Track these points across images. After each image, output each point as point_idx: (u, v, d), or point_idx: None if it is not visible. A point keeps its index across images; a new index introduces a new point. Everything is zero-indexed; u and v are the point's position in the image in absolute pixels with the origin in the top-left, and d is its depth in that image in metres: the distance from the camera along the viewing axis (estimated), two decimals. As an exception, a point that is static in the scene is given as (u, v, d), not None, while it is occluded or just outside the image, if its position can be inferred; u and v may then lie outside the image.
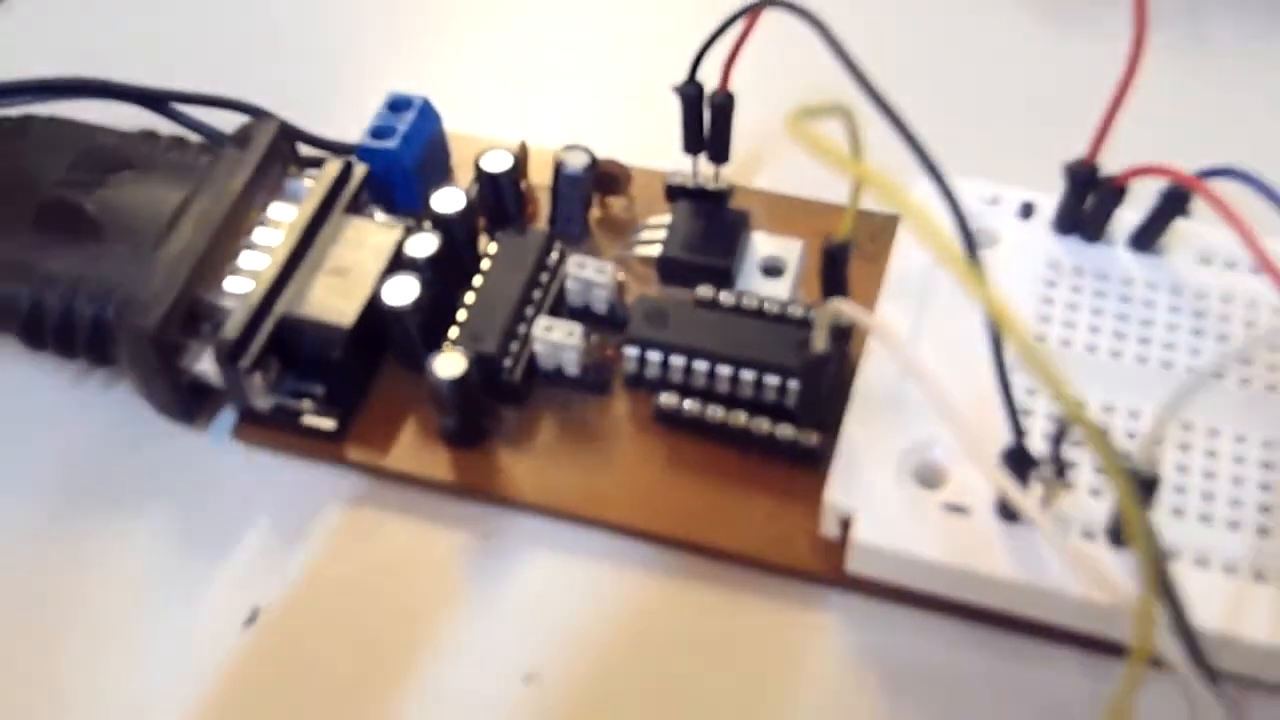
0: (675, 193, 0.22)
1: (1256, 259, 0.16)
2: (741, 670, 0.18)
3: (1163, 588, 0.13)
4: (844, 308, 0.16)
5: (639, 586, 0.19)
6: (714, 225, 0.22)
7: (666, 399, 0.20)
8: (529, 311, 0.20)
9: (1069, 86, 0.22)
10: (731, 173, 0.22)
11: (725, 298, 0.20)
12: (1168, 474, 0.18)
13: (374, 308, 0.20)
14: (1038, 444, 0.18)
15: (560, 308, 0.21)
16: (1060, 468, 0.17)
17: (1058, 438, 0.16)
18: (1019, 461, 0.17)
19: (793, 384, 0.19)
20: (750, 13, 0.19)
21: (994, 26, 0.26)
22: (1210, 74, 0.25)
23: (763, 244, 0.22)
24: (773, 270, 0.22)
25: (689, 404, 0.20)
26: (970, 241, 0.16)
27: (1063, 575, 0.17)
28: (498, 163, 0.21)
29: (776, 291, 0.21)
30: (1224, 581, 0.17)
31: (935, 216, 0.16)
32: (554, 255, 0.21)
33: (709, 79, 0.21)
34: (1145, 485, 0.16)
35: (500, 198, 0.22)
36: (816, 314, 0.18)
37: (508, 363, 0.20)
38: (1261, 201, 0.18)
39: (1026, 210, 0.21)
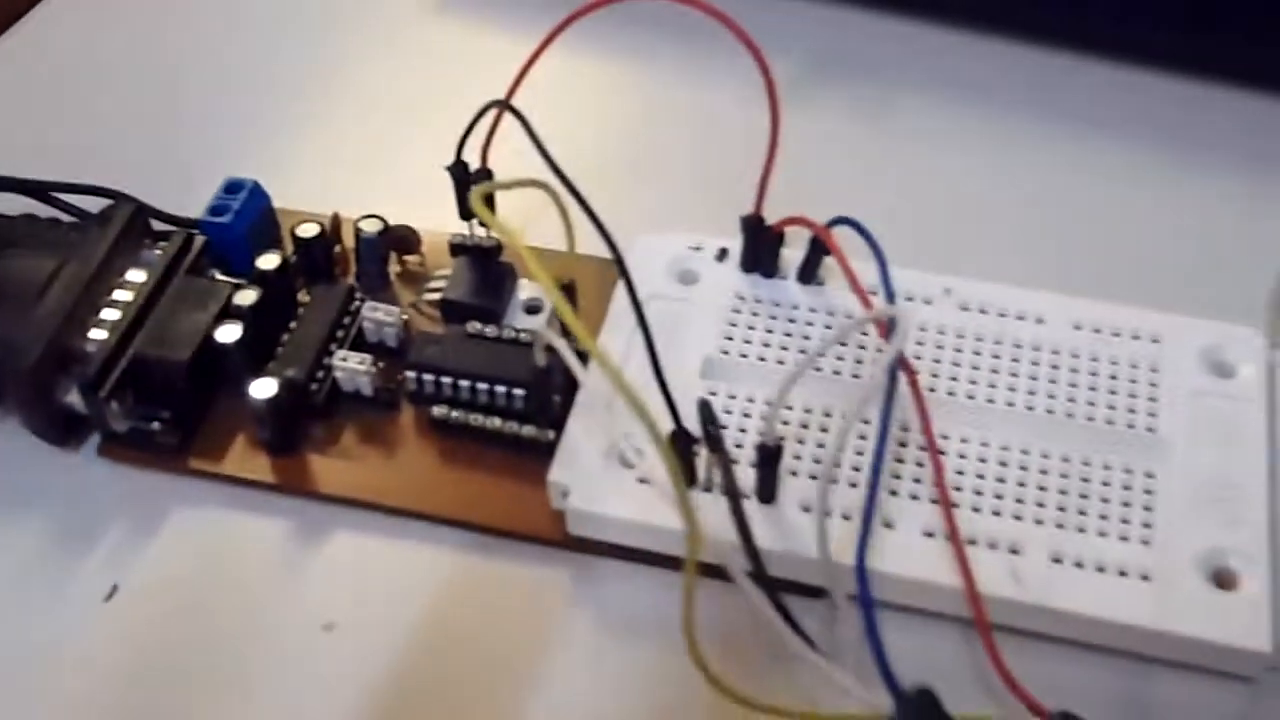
0: (457, 249, 0.28)
1: (848, 281, 0.22)
2: (497, 615, 0.24)
3: (736, 519, 0.19)
4: (546, 333, 0.22)
5: (418, 555, 0.24)
6: (487, 275, 0.27)
7: (439, 410, 0.25)
8: (334, 347, 0.26)
9: (751, 156, 0.28)
10: (497, 231, 0.28)
11: (490, 331, 0.26)
12: (810, 450, 0.24)
13: (207, 346, 0.25)
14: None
15: (362, 343, 0.27)
16: (714, 445, 0.22)
17: (706, 425, 0.22)
18: (684, 441, 0.22)
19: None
20: (494, 108, 0.25)
21: (718, 108, 0.32)
22: (891, 139, 0.31)
23: (525, 288, 0.27)
24: (533, 309, 0.27)
25: (456, 413, 0.25)
26: (634, 295, 0.22)
27: (716, 526, 0.22)
28: (308, 231, 0.27)
29: (534, 325, 0.27)
30: (850, 527, 0.22)
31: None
32: (356, 303, 0.27)
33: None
34: (772, 453, 0.22)
35: (312, 258, 0.27)
36: (534, 338, 0.24)
37: (314, 386, 0.25)
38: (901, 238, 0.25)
39: (721, 254, 0.27)
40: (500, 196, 0.27)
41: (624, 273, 0.21)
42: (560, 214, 0.24)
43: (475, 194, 0.19)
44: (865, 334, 0.25)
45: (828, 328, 0.25)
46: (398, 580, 0.24)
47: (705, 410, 0.21)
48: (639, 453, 0.23)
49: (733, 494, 0.19)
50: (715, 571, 0.21)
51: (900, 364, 0.21)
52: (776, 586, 0.20)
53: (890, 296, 0.22)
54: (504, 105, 0.24)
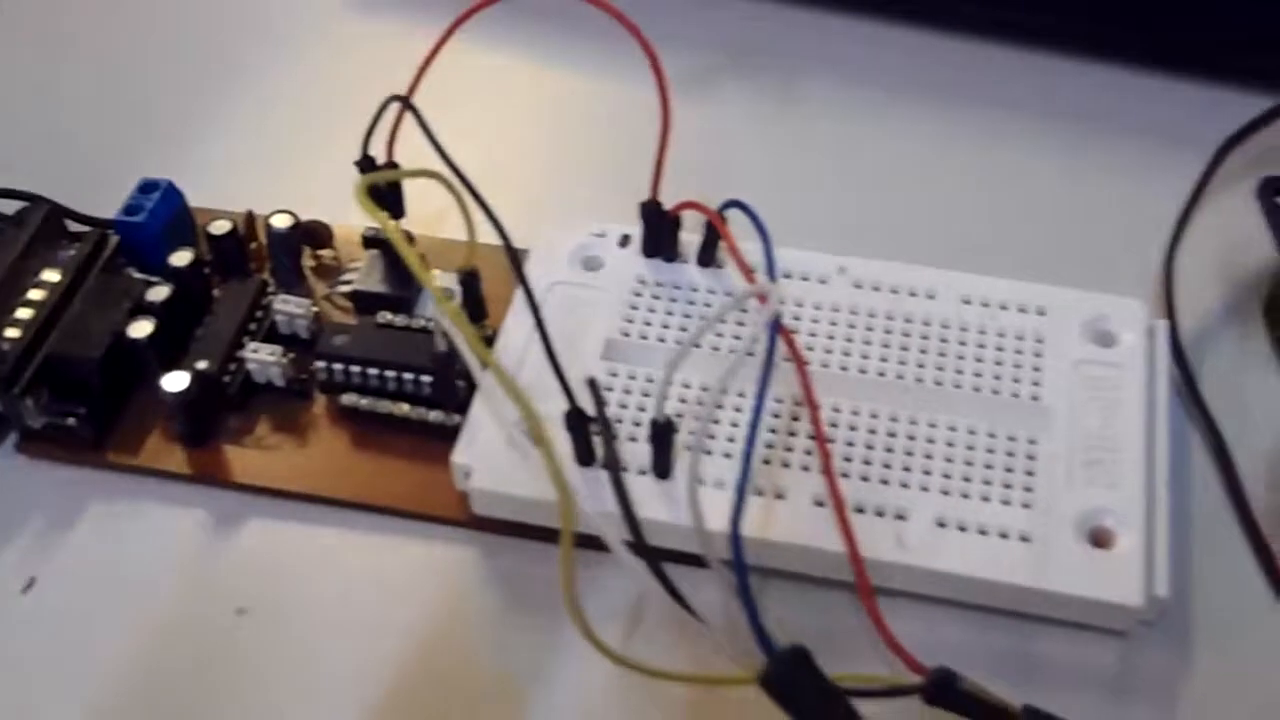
0: (369, 242, 0.28)
1: (735, 261, 0.23)
2: (407, 595, 0.24)
3: (615, 489, 0.19)
4: (441, 320, 0.23)
5: (331, 539, 0.25)
6: (397, 266, 0.28)
7: (348, 399, 0.26)
8: (247, 339, 0.27)
9: (678, 143, 0.29)
10: (416, 225, 0.29)
11: (399, 320, 0.27)
12: (711, 429, 0.24)
13: (120, 342, 0.26)
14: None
15: (275, 335, 0.27)
16: (606, 424, 0.23)
17: (597, 405, 0.23)
18: (578, 420, 0.23)
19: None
20: (394, 103, 0.26)
21: (624, 98, 0.32)
22: (792, 126, 0.32)
23: (436, 278, 0.28)
24: (443, 298, 0.28)
25: (365, 401, 0.26)
26: (528, 290, 0.22)
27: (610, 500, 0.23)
28: (220, 228, 0.28)
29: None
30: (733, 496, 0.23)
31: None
32: (269, 296, 0.27)
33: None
34: (663, 429, 0.23)
35: (227, 255, 0.28)
36: (433, 325, 0.24)
37: (227, 379, 0.26)
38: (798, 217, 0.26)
39: (624, 240, 0.27)
40: (420, 191, 0.28)
41: (518, 269, 0.22)
42: (459, 204, 0.24)
43: (358, 185, 0.20)
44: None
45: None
46: (310, 564, 0.25)
47: (592, 387, 0.21)
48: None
49: (611, 466, 0.20)
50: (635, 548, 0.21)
51: (777, 331, 0.22)
52: (663, 557, 0.21)
53: (772, 272, 0.23)
54: (403, 101, 0.25)
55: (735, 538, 0.20)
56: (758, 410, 0.21)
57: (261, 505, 0.25)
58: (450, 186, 0.24)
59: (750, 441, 0.21)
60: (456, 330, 0.22)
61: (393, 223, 0.20)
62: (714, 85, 0.33)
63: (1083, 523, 0.23)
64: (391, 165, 0.27)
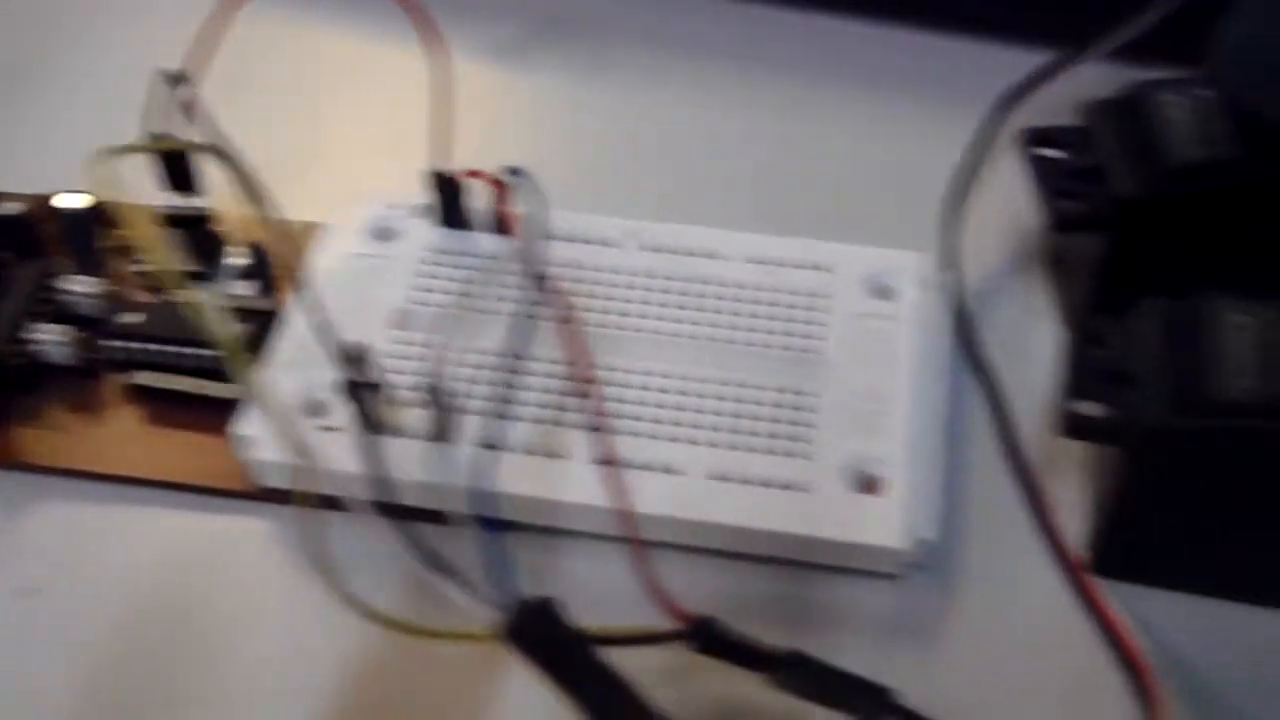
0: (166, 220, 0.28)
1: (511, 225, 0.23)
2: (197, 570, 0.24)
3: (363, 450, 0.19)
4: (200, 296, 0.23)
5: (124, 515, 0.25)
6: (194, 243, 0.28)
7: (140, 376, 0.26)
8: (34, 320, 0.26)
9: (486, 113, 0.29)
10: (224, 201, 0.29)
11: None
12: (487, 391, 0.25)
13: (-102, 329, 0.26)
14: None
15: (66, 316, 0.27)
16: (372, 389, 0.23)
17: (364, 371, 0.23)
18: (352, 388, 0.23)
19: (228, 354, 0.25)
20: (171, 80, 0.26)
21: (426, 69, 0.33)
22: (597, 95, 0.33)
23: (238, 255, 0.28)
24: (248, 274, 0.28)
25: (155, 378, 0.26)
26: (302, 264, 0.22)
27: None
28: (6, 210, 0.27)
29: (249, 291, 0.27)
30: (530, 460, 0.24)
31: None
32: (58, 277, 0.27)
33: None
34: (434, 393, 0.23)
35: (14, 236, 0.28)
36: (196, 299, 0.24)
37: (14, 360, 0.26)
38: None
39: (417, 211, 0.28)
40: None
41: (300, 244, 0.22)
42: (240, 180, 0.24)
43: (99, 152, 0.20)
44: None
45: (511, 273, 0.26)
46: (102, 543, 0.25)
47: (352, 352, 0.22)
48: (322, 403, 0.24)
49: (368, 427, 0.20)
50: (403, 510, 0.22)
51: (540, 289, 0.22)
52: (435, 519, 0.21)
53: (547, 235, 0.23)
54: (178, 77, 0.25)
55: (476, 492, 0.20)
56: (510, 368, 0.22)
57: (54, 486, 0.25)
58: (226, 159, 0.24)
59: (501, 397, 0.21)
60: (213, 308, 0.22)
61: (126, 200, 0.20)
62: (520, 55, 0.33)
63: (852, 470, 0.24)
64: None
